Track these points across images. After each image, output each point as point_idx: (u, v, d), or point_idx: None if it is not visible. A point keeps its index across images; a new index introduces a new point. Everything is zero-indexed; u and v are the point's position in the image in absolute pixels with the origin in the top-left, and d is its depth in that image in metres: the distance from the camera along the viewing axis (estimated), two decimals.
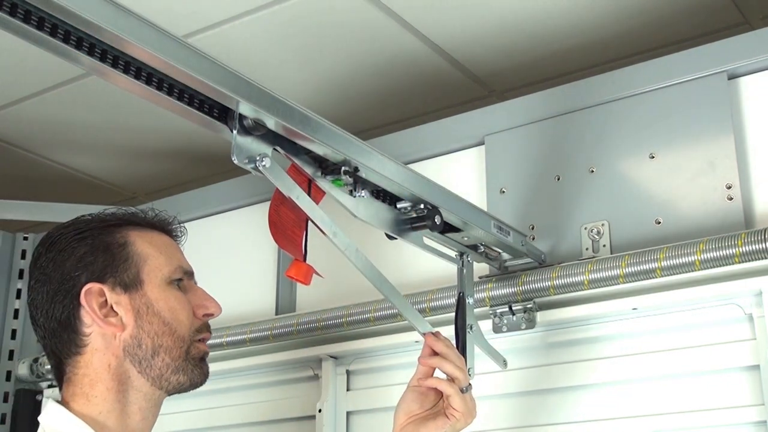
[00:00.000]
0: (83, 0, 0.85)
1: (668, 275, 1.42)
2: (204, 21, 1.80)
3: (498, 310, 1.58)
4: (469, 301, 1.44)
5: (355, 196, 1.22)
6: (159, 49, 0.92)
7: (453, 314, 1.44)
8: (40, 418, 1.12)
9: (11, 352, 2.24)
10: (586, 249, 1.57)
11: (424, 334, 1.30)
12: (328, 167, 1.18)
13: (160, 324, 1.13)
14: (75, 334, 1.12)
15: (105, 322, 1.11)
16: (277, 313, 1.96)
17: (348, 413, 1.78)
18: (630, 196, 1.57)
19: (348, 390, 1.80)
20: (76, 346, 1.12)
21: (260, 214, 2.01)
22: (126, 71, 0.94)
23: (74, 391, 1.12)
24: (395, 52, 1.92)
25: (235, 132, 1.05)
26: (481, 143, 1.76)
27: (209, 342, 1.21)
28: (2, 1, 0.82)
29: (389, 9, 1.76)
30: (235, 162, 1.05)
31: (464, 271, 1.46)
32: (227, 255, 2.09)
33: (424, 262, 1.68)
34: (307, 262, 1.19)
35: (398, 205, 1.29)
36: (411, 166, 1.51)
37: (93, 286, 1.11)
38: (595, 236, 1.57)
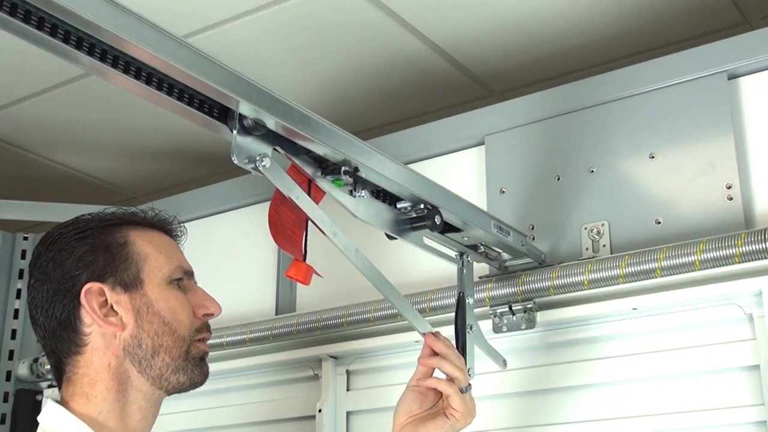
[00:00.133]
0: (83, 0, 0.85)
1: (668, 275, 1.42)
2: (204, 21, 1.80)
3: (498, 310, 1.58)
4: (469, 301, 1.44)
5: (355, 196, 1.22)
6: (159, 49, 0.92)
7: (453, 314, 1.44)
8: (39, 418, 1.12)
9: (11, 352, 2.24)
10: (586, 249, 1.57)
11: (423, 334, 1.29)
12: (328, 167, 1.18)
13: (160, 324, 1.13)
14: (75, 333, 1.12)
15: (105, 322, 1.11)
16: (277, 313, 1.96)
17: (348, 413, 1.78)
18: (630, 196, 1.57)
19: (348, 390, 1.80)
20: (76, 345, 1.12)
21: (260, 214, 2.01)
22: (126, 71, 0.94)
23: (74, 390, 1.12)
24: (395, 52, 1.92)
25: (235, 132, 1.05)
26: (481, 143, 1.76)
27: (209, 342, 1.21)
28: (2, 1, 0.82)
29: (389, 9, 1.76)
30: (235, 162, 1.05)
31: (464, 271, 1.46)
32: (227, 255, 2.09)
33: (424, 262, 1.68)
34: (307, 262, 1.19)
35: (398, 205, 1.29)
36: (411, 166, 1.51)
37: (93, 286, 1.11)
38: (595, 236, 1.57)
